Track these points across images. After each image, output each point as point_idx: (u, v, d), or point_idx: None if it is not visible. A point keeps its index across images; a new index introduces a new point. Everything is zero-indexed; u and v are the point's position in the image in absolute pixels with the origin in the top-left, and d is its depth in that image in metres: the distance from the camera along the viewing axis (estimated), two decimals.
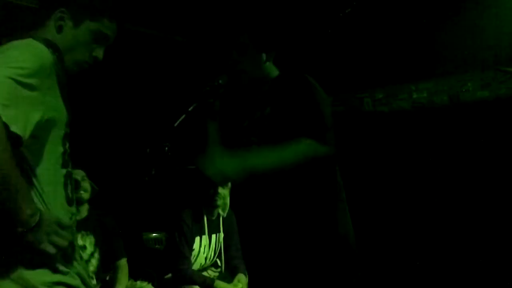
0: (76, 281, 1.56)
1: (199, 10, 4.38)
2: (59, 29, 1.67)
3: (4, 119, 1.36)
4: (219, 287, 3.68)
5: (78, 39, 1.68)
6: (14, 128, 1.38)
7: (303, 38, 4.60)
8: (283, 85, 2.31)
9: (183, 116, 2.34)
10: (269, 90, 2.37)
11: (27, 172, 1.50)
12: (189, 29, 4.65)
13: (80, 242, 3.50)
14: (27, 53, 1.48)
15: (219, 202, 3.85)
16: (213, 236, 3.90)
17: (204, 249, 3.85)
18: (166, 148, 3.82)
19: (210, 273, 3.87)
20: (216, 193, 3.81)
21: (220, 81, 2.40)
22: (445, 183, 4.17)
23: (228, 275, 3.89)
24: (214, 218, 3.92)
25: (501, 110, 3.98)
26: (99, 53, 1.74)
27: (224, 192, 3.86)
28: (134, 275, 3.70)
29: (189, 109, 2.33)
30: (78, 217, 3.45)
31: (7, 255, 1.45)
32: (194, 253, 3.79)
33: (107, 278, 3.63)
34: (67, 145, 1.66)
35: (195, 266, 3.81)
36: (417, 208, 4.24)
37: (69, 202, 1.65)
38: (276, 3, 4.29)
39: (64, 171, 1.64)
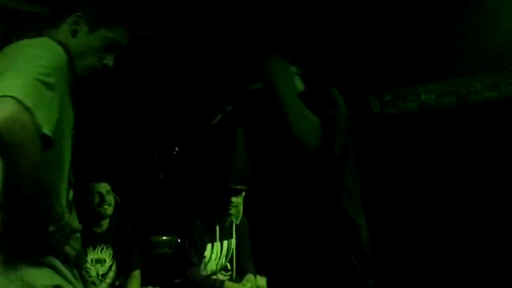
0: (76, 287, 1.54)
1: (209, 14, 4.39)
2: (74, 33, 1.67)
3: (37, 120, 1.33)
4: (228, 287, 3.67)
5: (91, 45, 1.68)
6: (45, 130, 1.36)
7: (311, 40, 4.60)
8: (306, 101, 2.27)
9: (220, 116, 2.35)
10: None
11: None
12: (199, 34, 4.66)
13: (100, 255, 3.50)
14: (46, 52, 1.47)
15: (233, 211, 3.82)
16: (225, 242, 3.89)
17: (216, 255, 3.84)
18: (175, 152, 3.84)
19: (220, 276, 3.87)
20: (229, 202, 3.77)
21: (256, 86, 2.41)
22: (454, 185, 4.15)
23: (239, 278, 3.89)
24: (227, 225, 3.91)
25: (509, 111, 3.96)
26: (110, 60, 1.74)
27: (237, 200, 3.83)
28: (143, 281, 3.70)
29: (227, 109, 2.35)
30: (99, 230, 3.48)
31: (8, 255, 1.44)
32: (206, 260, 3.78)
33: (117, 283, 3.63)
34: (71, 149, 1.65)
35: (206, 272, 3.80)
36: (426, 209, 4.22)
37: (69, 207, 1.63)
38: (284, 6, 4.29)
39: (70, 174, 1.63)
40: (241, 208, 3.93)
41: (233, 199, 3.77)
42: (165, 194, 4.32)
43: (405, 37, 4.38)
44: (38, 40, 1.53)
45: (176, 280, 3.81)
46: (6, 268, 1.42)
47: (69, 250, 1.49)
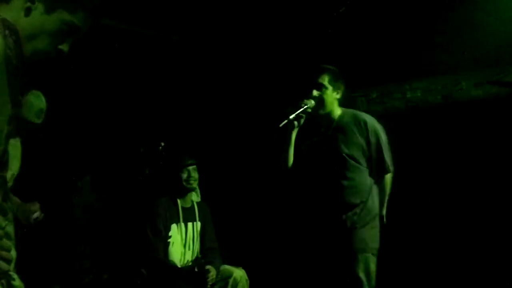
0: None
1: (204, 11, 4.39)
2: (27, 12, 1.45)
3: None
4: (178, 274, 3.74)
5: (45, 27, 1.47)
6: None
7: (299, 37, 4.60)
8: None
9: (286, 121, 2.92)
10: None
11: None
12: (188, 29, 4.65)
13: None
14: None
15: (194, 185, 3.95)
16: (189, 224, 3.94)
17: (181, 236, 3.88)
18: (160, 148, 3.84)
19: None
20: (189, 175, 3.89)
21: (313, 103, 3.02)
22: (440, 182, 4.18)
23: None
24: (189, 206, 3.98)
25: (494, 109, 4.00)
26: (65, 46, 1.53)
27: (195, 174, 3.94)
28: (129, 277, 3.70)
29: (290, 117, 2.94)
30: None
31: None
32: (172, 240, 3.83)
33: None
34: (7, 145, 1.45)
35: (176, 254, 3.84)
36: (411, 206, 4.24)
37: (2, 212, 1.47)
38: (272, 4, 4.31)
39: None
40: (197, 185, 4.02)
41: (193, 173, 3.91)
42: (150, 189, 4.31)
43: (391, 35, 4.39)
44: None
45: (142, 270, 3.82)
46: None
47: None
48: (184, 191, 3.95)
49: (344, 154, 2.99)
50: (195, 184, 3.96)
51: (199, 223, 3.99)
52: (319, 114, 3.06)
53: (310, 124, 3.14)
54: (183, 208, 3.95)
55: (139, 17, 4.26)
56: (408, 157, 4.31)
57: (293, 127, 3.03)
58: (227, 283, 3.75)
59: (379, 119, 4.50)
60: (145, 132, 4.29)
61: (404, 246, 4.23)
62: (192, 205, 4.02)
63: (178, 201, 3.94)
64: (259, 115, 4.46)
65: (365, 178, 3.06)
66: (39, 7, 1.45)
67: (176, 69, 4.71)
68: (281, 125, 2.89)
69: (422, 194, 4.23)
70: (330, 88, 3.07)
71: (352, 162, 3.00)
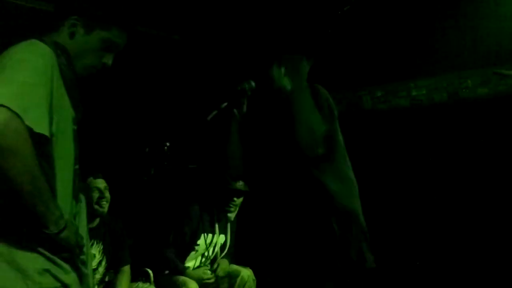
0: (66, 277, 1.61)
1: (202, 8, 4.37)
2: (71, 35, 1.75)
3: (27, 122, 1.43)
4: (189, 274, 3.71)
5: (88, 46, 1.77)
6: (39, 129, 1.47)
7: (302, 36, 4.59)
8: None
9: (215, 112, 2.51)
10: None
11: (45, 169, 1.56)
12: (192, 28, 4.64)
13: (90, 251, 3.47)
14: (32, 54, 1.56)
15: (233, 209, 3.95)
16: (216, 235, 3.94)
17: (208, 246, 3.88)
18: (166, 148, 3.83)
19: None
20: (232, 201, 3.90)
21: (252, 84, 2.61)
22: (445, 181, 4.16)
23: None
24: (222, 222, 3.99)
25: (501, 107, 3.97)
26: (109, 59, 1.83)
27: (239, 200, 3.95)
28: (132, 276, 3.69)
29: (221, 106, 2.52)
30: (90, 226, 3.46)
31: (5, 240, 1.52)
32: (198, 248, 3.84)
33: (106, 279, 3.62)
34: (76, 142, 1.74)
35: (191, 261, 3.85)
36: (416, 205, 4.23)
37: (76, 198, 1.72)
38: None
39: (76, 167, 1.72)
40: (237, 209, 4.03)
41: (236, 199, 3.89)
42: (155, 190, 4.31)
43: (396, 33, 4.37)
44: (24, 43, 1.61)
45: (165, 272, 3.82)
46: (4, 250, 1.51)
47: (76, 248, 1.61)
48: (221, 210, 3.95)
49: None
50: (233, 209, 3.95)
51: (228, 236, 4.01)
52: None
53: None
54: (219, 219, 3.96)
55: (141, 16, 4.25)
56: (413, 156, 4.30)
57: (233, 116, 2.60)
58: (234, 283, 3.76)
59: (384, 117, 4.53)
60: (150, 132, 4.29)
61: (407, 245, 4.23)
62: (226, 221, 4.03)
63: (215, 213, 3.93)
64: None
65: None
66: (80, 31, 1.75)
67: (178, 69, 4.71)
68: (209, 118, 2.50)
69: (427, 192, 4.21)
70: (275, 62, 2.65)
71: None
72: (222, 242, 3.98)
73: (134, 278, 3.67)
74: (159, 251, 3.75)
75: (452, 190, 4.11)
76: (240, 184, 3.88)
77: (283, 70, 2.66)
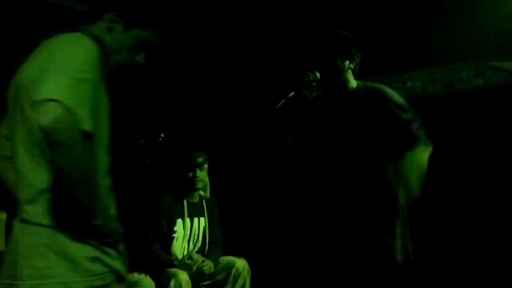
0: (115, 263, 1.66)
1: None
2: (109, 30, 1.77)
3: (77, 118, 1.46)
4: (177, 264, 3.77)
5: (124, 43, 1.79)
6: (84, 126, 1.50)
7: (298, 27, 4.58)
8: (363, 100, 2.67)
9: (283, 101, 2.56)
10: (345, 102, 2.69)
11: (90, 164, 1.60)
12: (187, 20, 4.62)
13: None
14: (81, 49, 1.59)
15: (200, 185, 3.97)
16: (196, 219, 3.98)
17: (186, 231, 3.91)
18: (161, 139, 3.84)
19: (196, 256, 3.87)
20: (195, 176, 3.92)
21: (317, 75, 2.62)
22: (440, 173, 4.16)
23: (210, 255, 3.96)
24: (196, 201, 4.02)
25: (495, 98, 3.98)
26: (141, 57, 1.85)
27: (202, 174, 3.96)
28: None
29: (289, 96, 2.56)
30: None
31: (54, 229, 1.56)
32: (176, 235, 3.88)
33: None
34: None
35: (178, 248, 3.88)
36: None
37: (112, 190, 1.79)
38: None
39: (109, 159, 1.78)
40: (207, 180, 4.06)
41: (198, 173, 3.92)
42: (151, 181, 4.31)
43: (390, 24, 4.37)
44: (72, 36, 1.64)
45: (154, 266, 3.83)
46: (51, 239, 1.55)
47: (118, 235, 1.68)
48: (190, 189, 3.96)
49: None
50: (200, 185, 3.98)
51: (206, 219, 4.00)
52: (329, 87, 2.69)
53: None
54: (189, 203, 3.99)
55: (139, 7, 4.22)
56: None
57: (294, 106, 2.63)
58: (229, 273, 3.77)
59: None
60: (145, 123, 4.28)
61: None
62: (200, 201, 4.04)
63: (184, 196, 3.94)
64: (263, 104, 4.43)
65: None
66: (119, 27, 1.77)
67: (176, 60, 4.69)
68: (277, 106, 2.57)
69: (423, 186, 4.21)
70: (340, 57, 2.69)
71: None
72: (204, 224, 4.00)
73: (129, 270, 3.68)
74: (144, 247, 3.77)
75: (448, 180, 4.12)
76: (199, 158, 3.94)
77: (347, 63, 2.71)
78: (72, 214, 1.55)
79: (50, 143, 1.44)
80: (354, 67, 2.76)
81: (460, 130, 4.09)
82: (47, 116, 1.40)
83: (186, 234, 3.91)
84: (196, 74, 4.76)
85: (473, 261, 3.92)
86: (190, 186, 3.96)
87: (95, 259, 1.59)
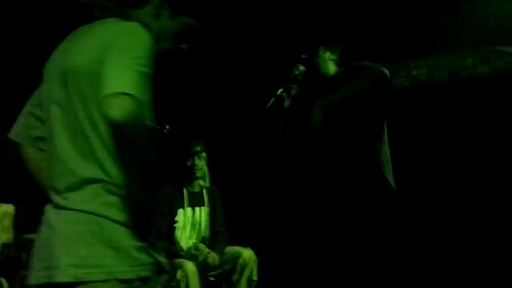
0: (159, 255, 1.60)
1: None
2: (157, 16, 1.70)
3: (143, 114, 1.44)
4: (183, 254, 3.78)
5: (170, 30, 1.72)
6: (148, 122, 1.49)
7: (300, 19, 4.56)
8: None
9: (273, 99, 2.56)
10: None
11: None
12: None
13: None
14: (140, 41, 1.52)
15: (199, 174, 3.98)
16: (197, 209, 3.98)
17: (188, 220, 3.93)
18: (166, 131, 3.84)
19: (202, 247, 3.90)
20: (193, 164, 3.94)
21: (301, 69, 2.61)
22: (446, 161, 4.16)
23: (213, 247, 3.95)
24: (197, 190, 4.03)
25: (501, 85, 3.96)
26: (185, 45, 1.79)
27: (200, 163, 3.98)
28: None
29: (277, 93, 2.56)
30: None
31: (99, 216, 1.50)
32: (178, 224, 3.89)
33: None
34: None
35: (183, 238, 3.90)
36: (418, 186, 4.23)
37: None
38: None
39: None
40: (205, 170, 4.05)
41: (197, 162, 3.94)
42: (156, 172, 4.32)
43: (395, 12, 4.34)
44: (130, 26, 1.56)
45: None
46: (96, 226, 1.48)
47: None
48: (189, 178, 3.98)
49: None
50: (199, 174, 3.99)
51: (207, 208, 4.01)
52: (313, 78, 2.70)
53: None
54: (190, 193, 4.00)
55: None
56: (414, 136, 4.30)
57: (283, 101, 2.63)
58: (236, 263, 3.78)
59: None
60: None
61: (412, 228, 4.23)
62: (201, 190, 4.05)
63: (184, 186, 3.96)
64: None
65: None
66: (166, 13, 1.70)
67: (179, 53, 4.68)
68: (268, 105, 2.57)
69: (428, 173, 4.21)
70: (321, 48, 2.68)
71: None
72: (205, 213, 4.01)
73: None
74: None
75: (453, 169, 4.11)
76: (197, 147, 3.95)
77: (328, 54, 2.68)
78: (124, 204, 1.50)
79: (119, 136, 1.40)
80: (336, 59, 2.74)
81: (466, 117, 4.08)
82: (120, 110, 1.36)
83: (188, 223, 3.93)
84: (197, 68, 4.76)
85: (472, 261, 3.92)
86: (189, 175, 3.98)
87: (142, 248, 1.51)
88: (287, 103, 2.63)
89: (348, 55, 2.96)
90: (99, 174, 1.51)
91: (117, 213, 1.49)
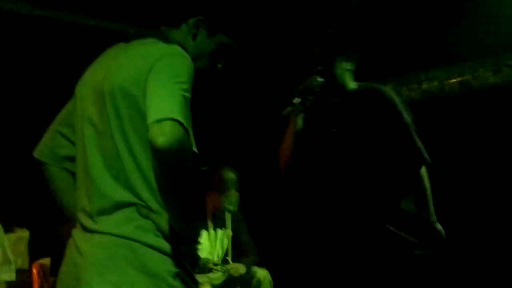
0: (193, 284, 1.55)
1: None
2: (194, 36, 1.68)
3: (191, 140, 1.41)
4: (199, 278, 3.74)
5: (207, 49, 1.70)
6: (194, 148, 1.47)
7: (310, 30, 4.57)
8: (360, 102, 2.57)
9: (289, 108, 2.49)
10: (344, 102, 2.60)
11: None
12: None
13: None
14: (183, 66, 1.49)
15: (227, 206, 3.95)
16: (219, 231, 3.95)
17: (211, 243, 3.89)
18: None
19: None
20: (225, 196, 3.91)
21: (319, 80, 2.53)
22: (458, 173, 4.12)
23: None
24: (221, 214, 4.00)
25: None
26: (221, 63, 1.76)
27: (231, 194, 3.94)
28: None
29: (294, 102, 2.48)
30: None
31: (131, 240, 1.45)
32: (201, 246, 3.82)
33: None
34: None
35: (203, 260, 3.82)
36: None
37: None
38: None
39: None
40: (234, 198, 3.99)
41: (228, 193, 3.92)
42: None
43: (405, 24, 4.34)
44: (172, 49, 1.54)
45: None
46: (129, 251, 1.42)
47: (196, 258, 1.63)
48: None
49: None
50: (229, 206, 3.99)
51: (229, 232, 4.00)
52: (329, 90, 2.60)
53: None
54: (214, 215, 3.97)
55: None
56: (427, 149, 4.26)
57: (298, 112, 2.54)
58: (250, 284, 3.75)
59: None
60: None
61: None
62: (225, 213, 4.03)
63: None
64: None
65: None
66: (202, 32, 1.68)
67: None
68: (283, 113, 2.51)
69: (440, 184, 4.17)
70: (338, 59, 2.62)
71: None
72: (230, 238, 3.98)
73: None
74: None
75: (468, 180, 4.07)
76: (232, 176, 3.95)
77: (345, 65, 2.63)
78: (158, 229, 1.46)
79: (166, 163, 1.36)
80: (352, 69, 2.68)
81: (479, 128, 4.05)
82: (169, 136, 1.32)
83: (212, 246, 3.91)
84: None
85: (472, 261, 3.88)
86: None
87: (177, 275, 1.45)
88: (302, 115, 2.56)
89: (360, 67, 2.94)
90: (132, 198, 1.47)
91: (151, 238, 1.44)
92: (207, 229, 3.90)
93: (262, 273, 3.80)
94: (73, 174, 1.64)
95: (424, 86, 4.32)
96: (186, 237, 1.50)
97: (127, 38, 1.67)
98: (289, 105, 2.50)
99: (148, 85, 1.42)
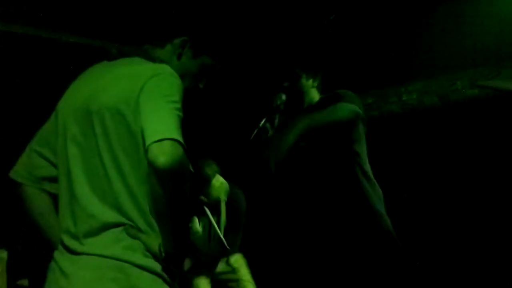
0: None
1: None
2: (179, 56, 1.70)
3: (188, 160, 1.41)
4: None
5: (190, 70, 1.71)
6: (190, 166, 1.52)
7: (289, 44, 4.59)
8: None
9: (256, 130, 2.50)
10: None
11: None
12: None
13: None
14: (174, 85, 1.50)
15: (214, 194, 3.90)
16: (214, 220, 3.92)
17: (204, 229, 3.90)
18: None
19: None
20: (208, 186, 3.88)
21: (283, 98, 2.55)
22: (440, 185, 4.15)
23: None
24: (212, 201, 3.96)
25: (491, 108, 3.98)
26: (202, 84, 1.78)
27: (216, 183, 3.89)
28: None
29: (260, 124, 2.49)
30: None
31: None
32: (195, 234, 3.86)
33: None
34: None
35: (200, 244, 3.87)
36: (410, 210, 4.21)
37: None
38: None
39: None
40: (223, 187, 3.94)
41: (213, 181, 3.87)
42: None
43: (383, 38, 4.38)
44: (162, 69, 1.54)
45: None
46: (118, 274, 1.40)
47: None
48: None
49: None
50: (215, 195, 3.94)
51: (223, 218, 3.96)
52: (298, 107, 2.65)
53: None
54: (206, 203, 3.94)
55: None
56: (406, 161, 4.29)
57: (267, 133, 2.54)
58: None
59: (376, 124, 4.51)
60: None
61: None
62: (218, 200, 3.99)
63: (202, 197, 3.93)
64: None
65: None
66: (188, 53, 1.70)
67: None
68: (252, 137, 2.51)
69: (421, 196, 4.20)
70: (303, 75, 2.65)
71: None
72: (224, 223, 3.98)
73: None
74: None
75: (446, 192, 4.10)
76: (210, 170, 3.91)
77: (310, 82, 2.66)
78: (148, 249, 1.44)
79: (165, 182, 1.35)
80: (317, 85, 2.70)
81: (457, 140, 4.09)
82: (169, 155, 1.32)
83: (206, 231, 3.92)
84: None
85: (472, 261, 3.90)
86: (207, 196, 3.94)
87: None
88: (271, 133, 2.54)
89: (336, 81, 2.96)
90: (120, 218, 1.44)
91: (140, 258, 1.42)
92: (200, 215, 3.90)
93: (233, 258, 3.82)
94: (51, 195, 1.60)
95: (404, 98, 4.36)
96: (175, 256, 1.47)
97: (109, 56, 1.65)
98: (256, 128, 2.50)
99: (142, 105, 1.43)
